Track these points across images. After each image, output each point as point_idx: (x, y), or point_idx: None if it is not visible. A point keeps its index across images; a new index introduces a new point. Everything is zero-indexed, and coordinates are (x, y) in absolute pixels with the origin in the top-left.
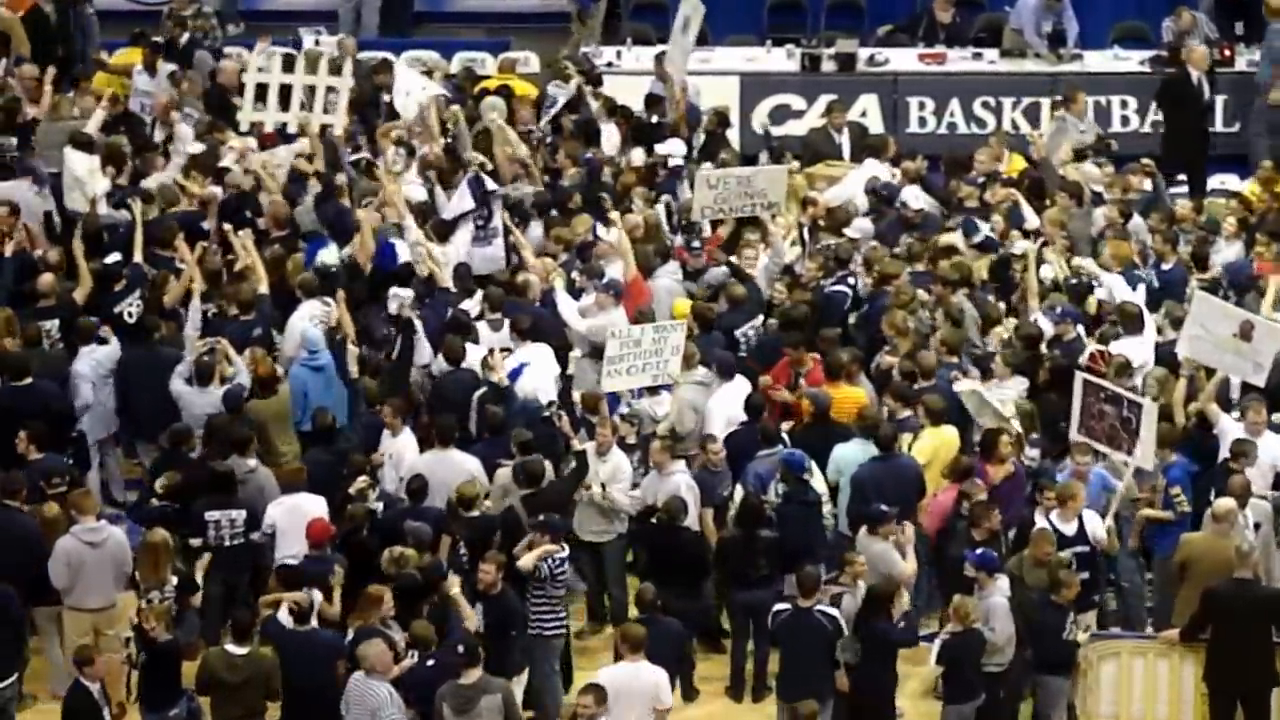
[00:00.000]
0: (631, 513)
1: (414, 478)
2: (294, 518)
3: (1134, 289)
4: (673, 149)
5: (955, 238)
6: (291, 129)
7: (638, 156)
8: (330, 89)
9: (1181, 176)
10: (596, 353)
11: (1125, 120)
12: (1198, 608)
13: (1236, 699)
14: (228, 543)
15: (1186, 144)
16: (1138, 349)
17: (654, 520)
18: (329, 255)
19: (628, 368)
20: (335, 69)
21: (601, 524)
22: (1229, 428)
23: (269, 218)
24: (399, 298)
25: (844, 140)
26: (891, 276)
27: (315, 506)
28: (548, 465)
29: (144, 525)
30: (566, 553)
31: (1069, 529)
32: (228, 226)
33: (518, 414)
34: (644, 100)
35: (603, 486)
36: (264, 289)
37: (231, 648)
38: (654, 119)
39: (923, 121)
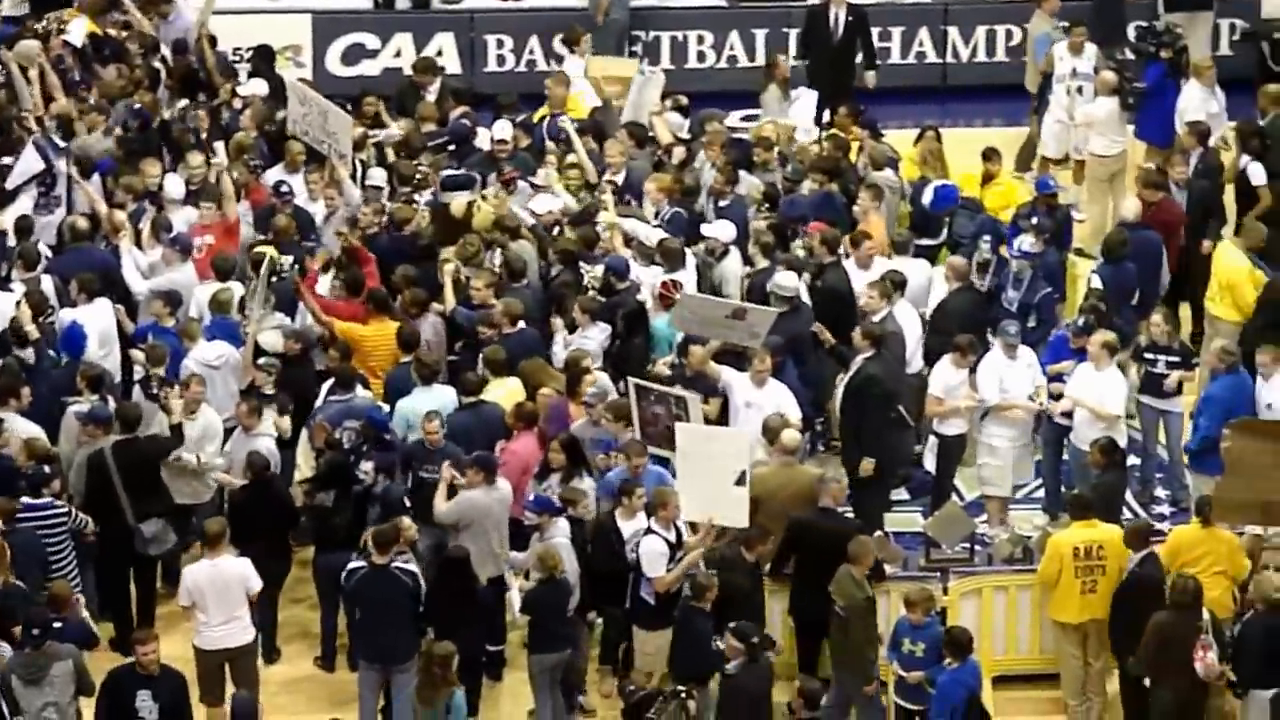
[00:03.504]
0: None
1: None
2: None
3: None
4: (255, 87)
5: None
6: None
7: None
8: None
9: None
10: (165, 298)
11: (701, 56)
12: (784, 538)
13: (822, 633)
14: None
15: (820, 80)
16: (688, 279)
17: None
18: None
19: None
20: None
21: (191, 486)
22: (733, 379)
23: None
24: None
25: (430, 93)
26: (405, 220)
27: None
28: None
29: None
30: None
31: (671, 535)
32: None
33: (45, 371)
34: (173, 47)
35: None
36: None
37: None
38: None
39: (501, 60)
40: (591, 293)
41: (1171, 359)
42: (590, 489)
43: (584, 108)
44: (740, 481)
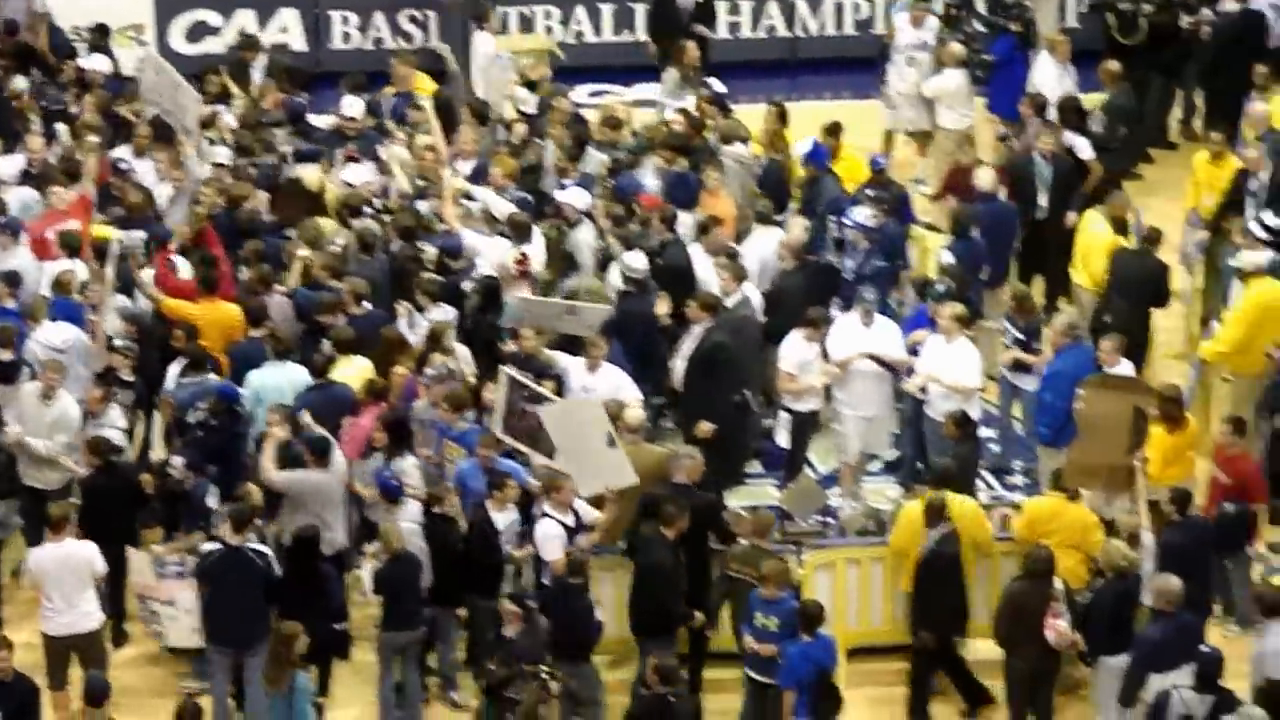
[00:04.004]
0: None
1: None
2: None
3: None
4: (98, 64)
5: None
6: None
7: (21, 84)
8: None
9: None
10: (5, 278)
11: (549, 31)
12: (638, 515)
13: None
14: None
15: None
16: (536, 253)
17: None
18: None
19: None
20: None
21: (42, 471)
22: (568, 364)
23: None
24: None
25: (256, 68)
26: (242, 198)
27: None
28: None
29: None
30: None
31: (569, 519)
32: None
33: None
34: (5, 26)
35: None
36: None
37: None
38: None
39: (347, 37)
40: (428, 274)
41: (1017, 336)
42: (413, 466)
43: (430, 87)
44: (611, 443)
